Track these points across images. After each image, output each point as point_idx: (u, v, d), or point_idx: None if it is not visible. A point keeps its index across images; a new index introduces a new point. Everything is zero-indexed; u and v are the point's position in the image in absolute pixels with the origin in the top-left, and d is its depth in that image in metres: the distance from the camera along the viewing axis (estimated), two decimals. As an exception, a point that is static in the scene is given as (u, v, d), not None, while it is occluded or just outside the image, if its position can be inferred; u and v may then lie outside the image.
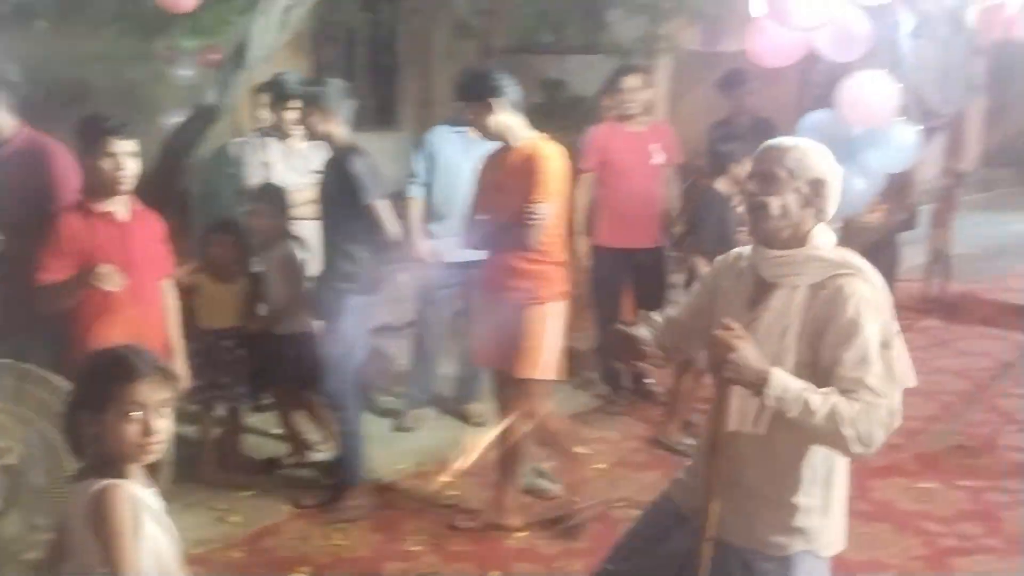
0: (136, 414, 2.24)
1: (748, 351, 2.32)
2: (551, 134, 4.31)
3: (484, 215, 4.36)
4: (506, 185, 4.22)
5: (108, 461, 2.27)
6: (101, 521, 2.19)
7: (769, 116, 7.30)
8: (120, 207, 3.89)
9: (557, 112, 9.40)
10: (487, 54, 9.18)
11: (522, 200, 4.11)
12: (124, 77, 6.30)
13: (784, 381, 2.31)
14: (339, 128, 4.45)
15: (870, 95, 4.62)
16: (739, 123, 7.28)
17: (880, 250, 6.20)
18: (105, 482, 2.23)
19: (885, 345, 2.43)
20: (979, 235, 11.68)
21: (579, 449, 4.86)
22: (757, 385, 2.31)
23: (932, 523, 4.71)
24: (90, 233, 3.81)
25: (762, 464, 2.53)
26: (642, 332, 2.83)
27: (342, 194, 4.36)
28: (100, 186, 3.83)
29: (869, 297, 2.43)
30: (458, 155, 5.33)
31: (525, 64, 10.09)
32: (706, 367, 2.38)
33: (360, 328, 4.55)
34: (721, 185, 5.35)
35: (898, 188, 6.09)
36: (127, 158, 3.80)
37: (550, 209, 4.13)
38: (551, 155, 4.20)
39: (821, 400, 2.30)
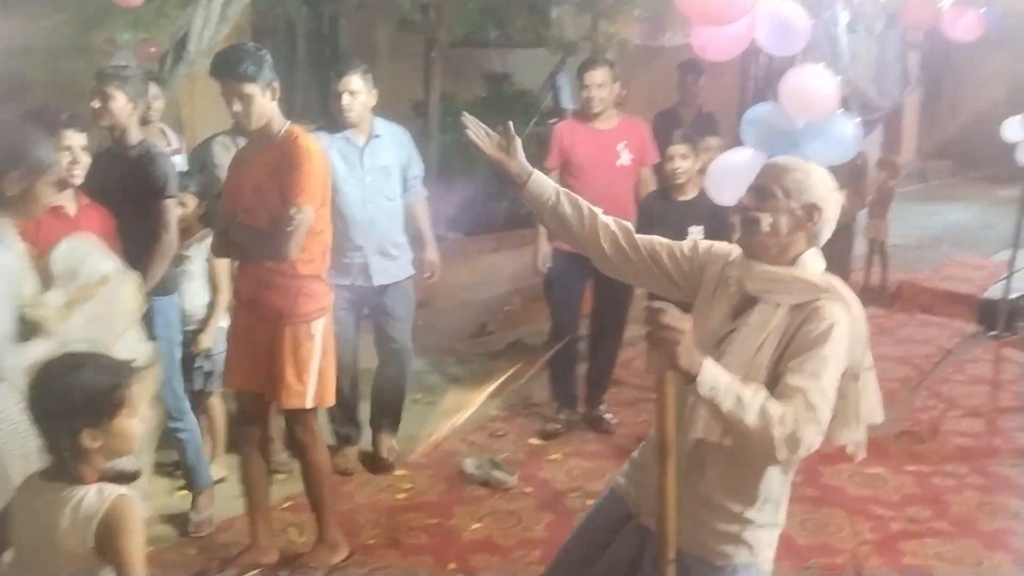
0: (137, 415, 2.33)
1: (689, 337, 2.23)
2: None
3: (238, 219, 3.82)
4: (263, 185, 3.74)
5: (87, 463, 2.27)
6: (119, 532, 2.21)
7: (712, 111, 7.40)
8: (69, 201, 3.77)
9: (502, 105, 9.42)
10: (431, 48, 9.16)
11: (279, 203, 3.65)
12: (61, 70, 6.18)
13: (716, 372, 2.25)
14: (131, 118, 4.11)
15: (811, 88, 4.66)
16: (683, 114, 7.37)
17: (836, 238, 6.25)
18: (118, 491, 2.26)
19: (853, 377, 2.46)
20: (916, 225, 11.93)
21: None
22: (691, 372, 2.23)
23: (881, 507, 4.78)
24: (37, 229, 3.60)
25: (722, 475, 2.51)
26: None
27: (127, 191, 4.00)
28: None
29: (845, 323, 2.41)
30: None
31: (470, 58, 10.12)
32: (647, 336, 2.21)
33: (169, 330, 4.21)
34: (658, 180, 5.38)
35: (855, 175, 6.16)
36: (80, 151, 3.72)
37: (310, 214, 3.66)
38: (314, 151, 3.74)
39: (751, 395, 2.26)
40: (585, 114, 5.43)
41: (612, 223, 2.74)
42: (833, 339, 2.36)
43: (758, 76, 11.02)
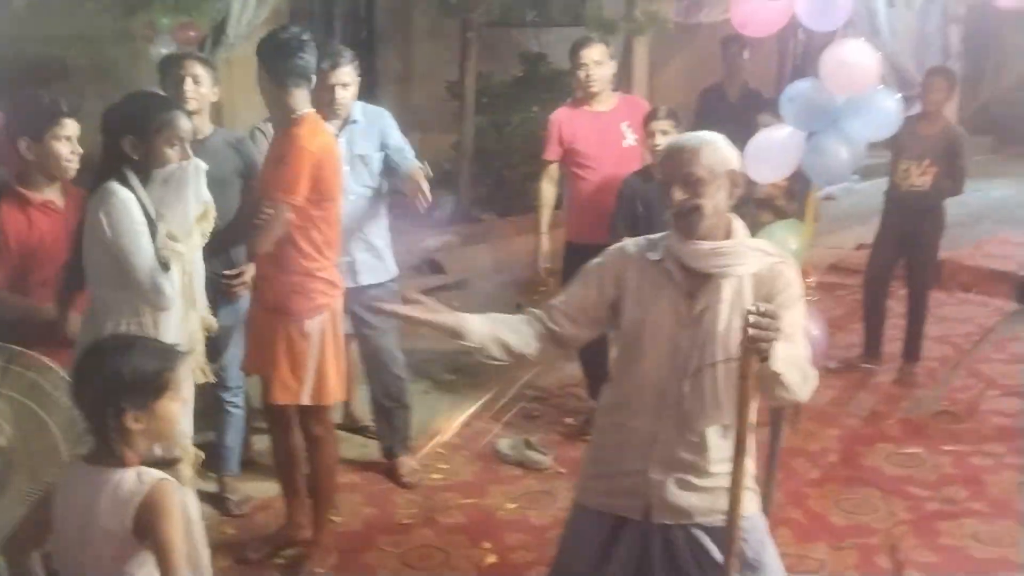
0: (180, 398, 2.42)
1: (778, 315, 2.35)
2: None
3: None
4: (265, 174, 3.80)
5: (129, 446, 2.33)
6: (159, 516, 2.25)
7: (758, 87, 7.34)
8: (56, 195, 3.63)
9: (539, 85, 9.41)
10: (467, 28, 9.15)
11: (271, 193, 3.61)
12: (102, 56, 6.25)
13: (776, 344, 2.36)
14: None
15: (852, 63, 4.60)
16: (728, 90, 7.31)
17: (927, 214, 6.20)
18: (159, 475, 2.32)
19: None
20: (958, 202, 11.70)
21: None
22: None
23: (917, 488, 4.76)
24: (28, 225, 3.54)
25: (721, 440, 2.60)
26: None
27: None
28: (45, 172, 3.56)
29: (798, 280, 2.61)
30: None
31: (506, 38, 10.10)
32: (746, 352, 2.33)
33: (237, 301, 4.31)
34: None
35: (946, 151, 6.06)
36: (76, 141, 3.59)
37: (284, 210, 3.57)
38: (306, 143, 3.60)
39: (794, 355, 2.42)
40: (582, 97, 5.17)
41: (534, 322, 2.74)
42: (801, 299, 2.58)
43: (796, 52, 10.93)
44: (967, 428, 5.47)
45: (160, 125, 3.15)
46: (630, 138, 5.12)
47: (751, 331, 2.26)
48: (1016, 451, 5.16)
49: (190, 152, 3.23)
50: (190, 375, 3.17)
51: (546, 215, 5.33)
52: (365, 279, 4.58)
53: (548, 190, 5.32)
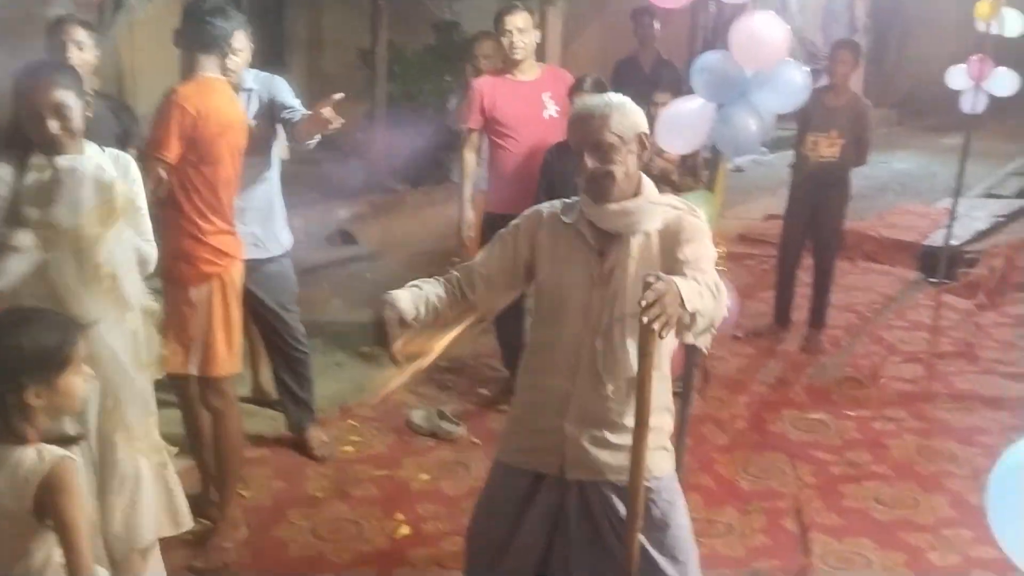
0: (82, 373, 2.33)
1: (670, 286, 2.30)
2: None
3: None
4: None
5: (30, 422, 2.25)
6: (60, 494, 2.19)
7: (670, 58, 7.38)
8: None
9: (452, 54, 9.32)
10: (378, -5, 9.02)
11: None
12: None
13: (682, 285, 2.32)
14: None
15: (761, 36, 4.65)
16: (642, 61, 7.34)
17: (834, 185, 6.31)
18: (60, 453, 2.25)
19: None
20: (862, 174, 12.00)
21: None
22: (681, 308, 2.31)
23: (822, 452, 4.88)
24: None
25: (635, 396, 2.60)
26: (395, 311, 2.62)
27: None
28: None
29: (705, 227, 2.67)
30: None
31: (417, 5, 9.96)
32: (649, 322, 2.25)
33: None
34: None
35: (852, 123, 6.16)
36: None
37: (153, 166, 3.50)
38: (185, 97, 3.55)
39: (695, 282, 2.41)
40: (505, 65, 5.14)
41: (461, 280, 2.75)
42: (707, 236, 2.67)
43: (707, 26, 11.02)
44: (870, 394, 5.62)
45: (39, 97, 2.90)
46: (552, 109, 5.08)
47: (645, 318, 2.22)
48: (916, 415, 5.33)
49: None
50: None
51: (468, 185, 5.29)
52: (251, 253, 4.26)
53: (470, 159, 5.27)
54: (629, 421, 2.59)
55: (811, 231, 6.44)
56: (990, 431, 5.13)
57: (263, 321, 4.57)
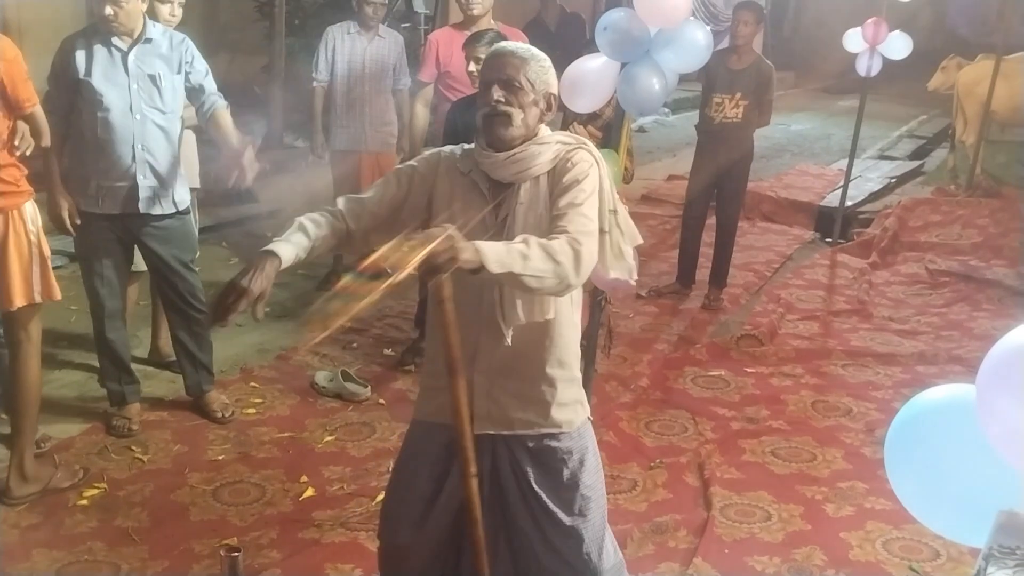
0: None
1: (457, 235, 2.23)
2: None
3: None
4: None
5: None
6: None
7: (576, 11, 7.37)
8: None
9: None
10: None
11: None
12: None
13: (491, 247, 2.28)
14: None
15: (663, -6, 4.67)
16: (547, 19, 7.31)
17: (738, 146, 6.37)
18: None
19: (612, 212, 2.62)
20: (761, 135, 12.22)
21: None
22: (475, 263, 2.24)
23: (722, 408, 4.98)
24: None
25: (545, 347, 2.61)
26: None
27: None
28: None
29: (591, 163, 2.57)
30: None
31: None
32: (425, 272, 2.17)
33: None
34: None
35: (756, 85, 6.22)
36: None
37: None
38: None
39: (526, 244, 2.32)
40: (463, 20, 5.18)
41: (346, 211, 2.62)
42: (590, 176, 2.53)
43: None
44: (768, 351, 5.75)
45: None
46: None
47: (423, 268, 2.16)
48: (812, 372, 5.48)
49: None
50: None
51: (419, 138, 5.26)
52: (147, 208, 4.27)
53: (421, 112, 5.27)
54: (538, 371, 2.61)
55: (715, 191, 6.53)
56: (883, 386, 5.31)
57: (162, 278, 4.47)
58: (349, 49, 5.90)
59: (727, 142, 6.32)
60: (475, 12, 5.07)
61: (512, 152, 2.54)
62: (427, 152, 2.74)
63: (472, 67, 4.61)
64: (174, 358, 4.82)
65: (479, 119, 2.57)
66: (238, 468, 4.18)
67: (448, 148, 2.70)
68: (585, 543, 2.67)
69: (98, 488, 3.97)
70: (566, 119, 4.99)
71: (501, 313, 2.55)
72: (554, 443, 2.64)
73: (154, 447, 4.30)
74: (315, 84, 6.00)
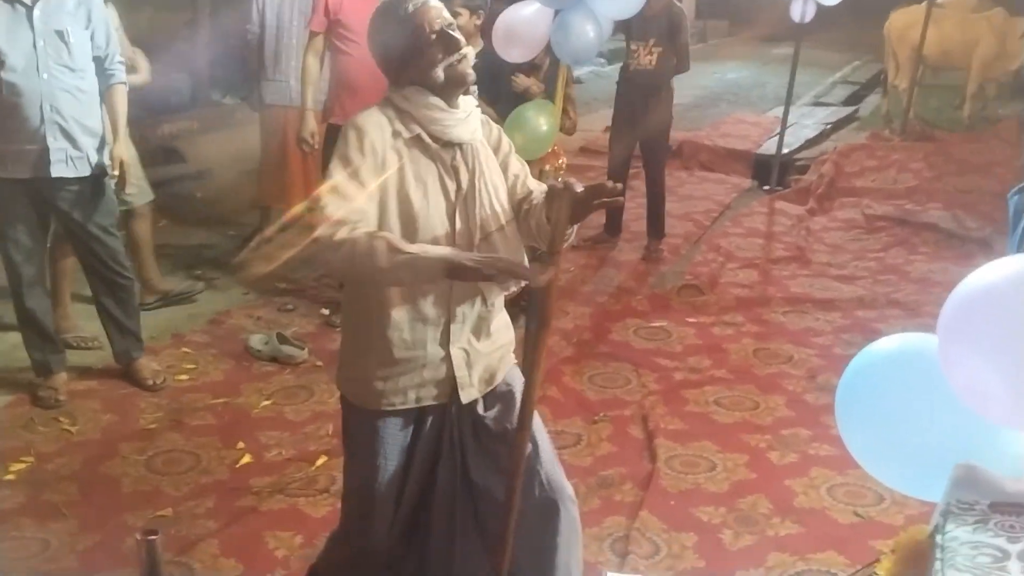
0: None
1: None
2: None
3: None
4: None
5: None
6: None
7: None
8: None
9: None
10: None
11: None
12: None
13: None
14: None
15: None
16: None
17: (656, 93, 6.29)
18: None
19: None
20: (695, 85, 12.22)
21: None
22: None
23: (665, 359, 4.95)
24: None
25: (495, 294, 2.52)
26: None
27: None
28: None
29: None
30: None
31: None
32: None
33: None
34: None
35: (668, 31, 6.13)
36: None
37: None
38: None
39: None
40: None
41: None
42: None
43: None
44: (708, 300, 5.73)
45: None
46: None
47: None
48: (753, 320, 5.47)
49: None
50: None
51: (310, 92, 5.08)
52: (58, 171, 4.06)
53: (313, 64, 5.07)
54: (497, 319, 2.56)
55: (639, 141, 6.47)
56: (823, 332, 5.32)
57: (81, 245, 4.28)
58: None
59: (644, 90, 6.27)
60: None
61: (470, 110, 2.45)
62: (365, 122, 2.39)
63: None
64: (74, 334, 4.68)
65: (442, 73, 2.38)
66: (171, 436, 4.05)
67: (373, 112, 2.42)
68: (542, 448, 2.60)
69: (25, 462, 3.82)
70: (501, 69, 4.86)
71: (485, 286, 2.45)
72: (510, 376, 2.62)
73: (83, 418, 4.15)
74: (249, 36, 5.78)
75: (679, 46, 6.25)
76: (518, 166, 2.56)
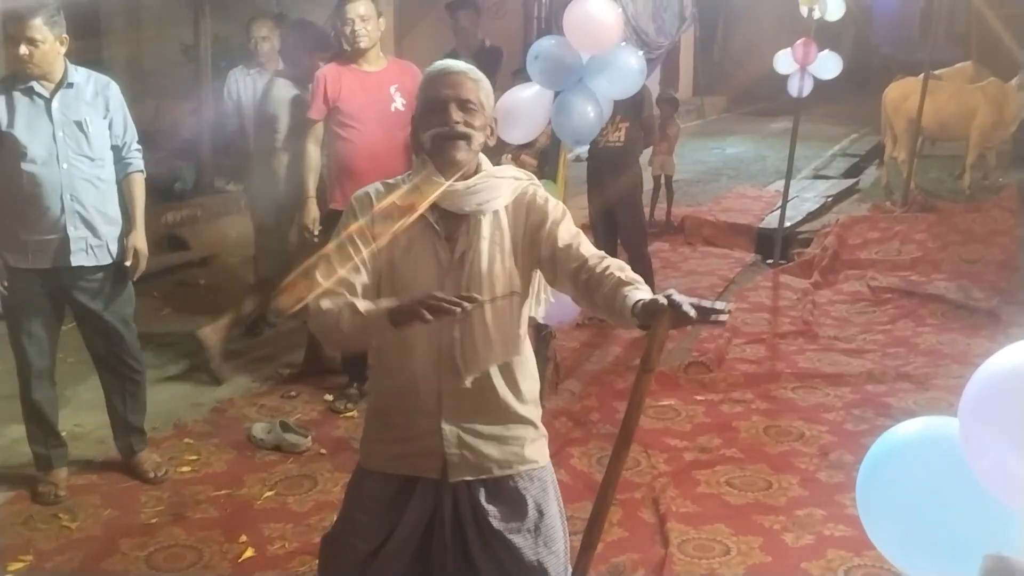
0: None
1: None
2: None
3: None
4: None
5: None
6: None
7: (498, 45, 7.27)
8: None
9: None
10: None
11: None
12: None
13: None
14: None
15: (594, 19, 4.60)
16: (463, 56, 7.19)
17: (624, 170, 6.33)
18: None
19: None
20: (696, 160, 12.31)
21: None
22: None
23: (674, 439, 4.87)
24: None
25: (513, 382, 2.50)
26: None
27: None
28: None
29: (555, 197, 2.56)
30: None
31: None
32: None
33: None
34: None
35: (634, 106, 6.18)
36: None
37: None
38: None
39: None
40: (351, 54, 4.97)
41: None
42: (563, 208, 2.52)
43: (540, 16, 11.01)
44: (716, 377, 5.66)
45: None
46: (399, 102, 4.94)
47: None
48: (762, 396, 5.40)
49: None
50: None
51: (312, 179, 5.10)
52: (80, 259, 4.07)
53: (313, 151, 5.08)
54: (508, 408, 2.50)
55: (614, 218, 6.48)
56: (833, 407, 5.24)
57: (99, 337, 4.26)
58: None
59: (613, 167, 6.32)
60: (362, 45, 4.88)
61: (473, 183, 2.43)
62: (356, 199, 2.51)
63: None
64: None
65: (429, 140, 2.42)
66: (173, 531, 3.97)
67: (372, 188, 2.51)
68: None
69: (24, 560, 3.74)
70: (496, 147, 4.88)
71: (463, 354, 2.42)
72: (524, 479, 2.53)
73: (83, 513, 4.08)
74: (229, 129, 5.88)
75: (644, 119, 6.34)
76: (570, 234, 2.47)
